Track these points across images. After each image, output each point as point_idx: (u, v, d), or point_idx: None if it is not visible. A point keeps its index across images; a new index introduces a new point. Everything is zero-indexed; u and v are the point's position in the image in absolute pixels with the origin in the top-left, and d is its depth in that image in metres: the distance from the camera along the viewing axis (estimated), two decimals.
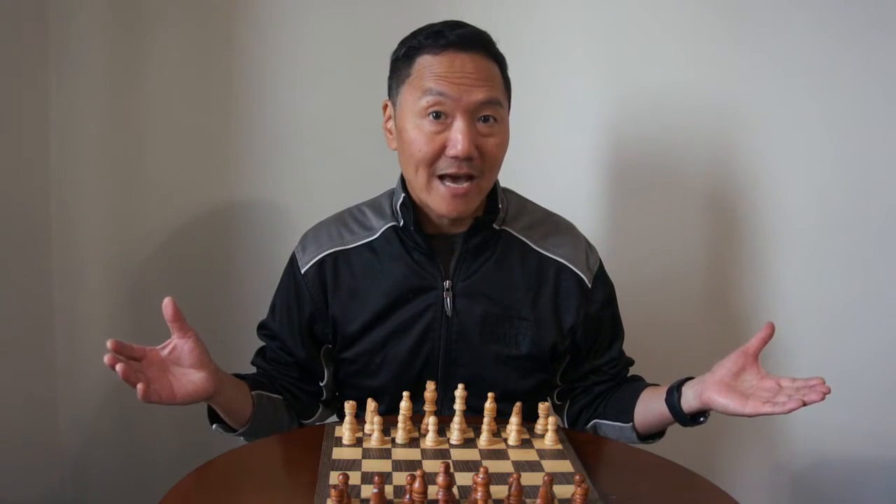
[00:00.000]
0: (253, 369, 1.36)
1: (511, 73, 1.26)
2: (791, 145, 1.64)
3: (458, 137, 1.15)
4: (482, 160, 1.18)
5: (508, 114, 1.24)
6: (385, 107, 1.28)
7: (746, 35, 1.61)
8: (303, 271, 1.28)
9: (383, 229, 1.28)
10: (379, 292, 1.25)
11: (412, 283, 1.25)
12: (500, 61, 1.23)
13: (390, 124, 1.27)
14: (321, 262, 1.27)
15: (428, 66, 1.18)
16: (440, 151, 1.17)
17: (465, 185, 1.18)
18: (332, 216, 1.34)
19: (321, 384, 1.33)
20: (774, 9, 1.60)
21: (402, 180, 1.28)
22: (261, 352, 1.36)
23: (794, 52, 1.61)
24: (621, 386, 1.33)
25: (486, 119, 1.18)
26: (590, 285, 1.29)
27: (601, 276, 1.33)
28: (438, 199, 1.19)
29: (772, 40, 1.61)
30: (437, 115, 1.16)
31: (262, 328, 1.35)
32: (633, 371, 1.39)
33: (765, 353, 1.69)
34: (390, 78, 1.26)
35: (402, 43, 1.24)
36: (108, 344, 1.01)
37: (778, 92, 1.62)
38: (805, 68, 1.61)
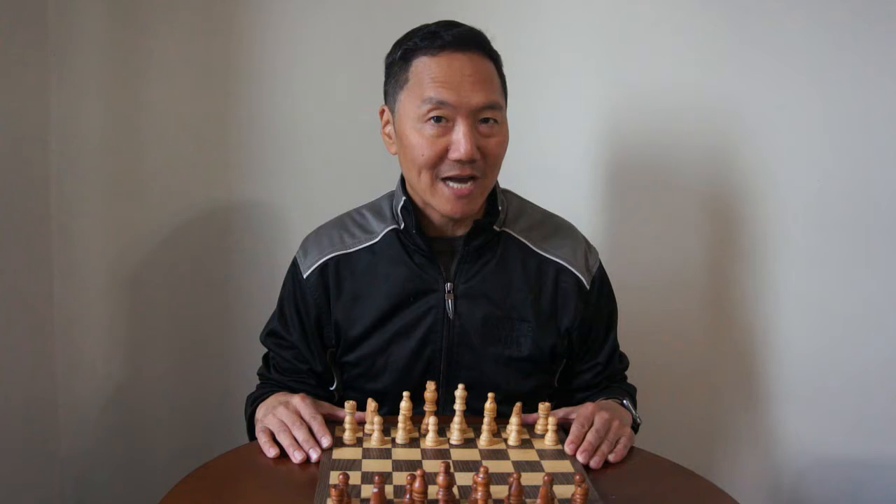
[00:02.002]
0: (254, 380, 1.36)
1: (509, 73, 1.26)
2: (791, 145, 1.64)
3: (460, 140, 1.16)
4: (484, 161, 1.18)
5: (506, 111, 1.24)
6: (382, 112, 1.28)
7: (745, 35, 1.61)
8: (305, 276, 1.28)
9: (384, 232, 1.28)
10: (381, 296, 1.25)
11: (413, 286, 1.25)
12: (495, 59, 1.23)
13: (389, 129, 1.27)
14: (323, 267, 1.27)
15: (426, 69, 1.17)
16: (442, 155, 1.17)
17: (469, 185, 1.18)
18: (332, 220, 1.34)
19: (331, 389, 1.33)
20: (773, 9, 1.60)
21: (403, 183, 1.28)
22: (268, 363, 1.35)
23: (793, 51, 1.61)
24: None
25: (486, 120, 1.19)
26: (588, 286, 1.29)
27: (600, 278, 1.32)
28: (443, 201, 1.19)
29: (771, 40, 1.61)
30: (438, 119, 1.17)
31: (274, 336, 1.33)
32: (632, 374, 1.39)
33: (765, 355, 1.71)
34: (386, 83, 1.26)
35: (397, 45, 1.23)
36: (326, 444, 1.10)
37: (777, 91, 1.62)
38: (805, 68, 1.61)
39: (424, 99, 1.17)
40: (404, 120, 1.20)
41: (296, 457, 1.07)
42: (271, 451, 1.08)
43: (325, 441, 1.09)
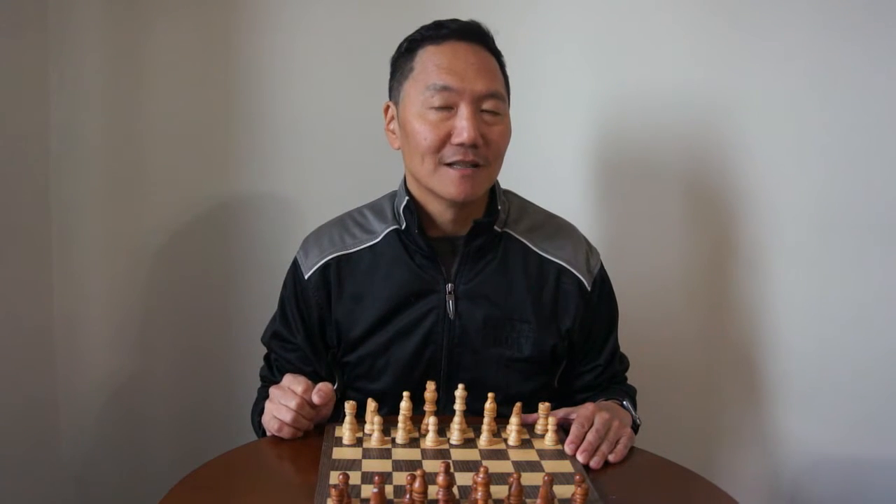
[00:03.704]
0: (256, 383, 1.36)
1: (507, 71, 1.27)
2: (791, 144, 1.63)
3: (463, 125, 1.16)
4: (487, 148, 1.19)
5: (509, 108, 1.25)
6: (386, 109, 1.28)
7: (743, 33, 1.61)
8: (306, 276, 1.28)
9: (385, 233, 1.28)
10: (381, 296, 1.25)
11: (414, 287, 1.25)
12: (498, 55, 1.25)
13: (393, 125, 1.27)
14: (324, 267, 1.27)
15: (431, 57, 1.19)
16: (445, 139, 1.18)
17: (471, 168, 1.19)
18: (332, 219, 1.34)
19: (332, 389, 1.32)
20: (771, 5, 1.60)
21: (405, 183, 1.28)
22: (270, 364, 1.35)
23: (792, 48, 1.60)
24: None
25: (488, 111, 1.19)
26: (589, 288, 1.29)
27: (601, 280, 1.32)
28: (447, 183, 1.19)
29: (769, 37, 1.60)
30: (442, 106, 1.18)
31: (278, 338, 1.32)
32: (632, 374, 1.39)
33: (765, 355, 1.71)
34: (391, 78, 1.27)
35: (403, 41, 1.25)
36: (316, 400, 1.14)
37: (777, 90, 1.62)
38: (804, 66, 1.60)
39: (429, 85, 1.18)
40: (409, 108, 1.21)
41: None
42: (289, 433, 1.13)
43: (316, 398, 1.13)
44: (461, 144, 1.17)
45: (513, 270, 1.27)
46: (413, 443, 1.11)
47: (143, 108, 1.62)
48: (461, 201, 1.21)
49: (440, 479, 0.91)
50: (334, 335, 1.28)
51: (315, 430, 1.16)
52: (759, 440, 1.74)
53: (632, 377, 1.40)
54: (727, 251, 1.70)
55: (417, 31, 1.23)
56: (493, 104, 1.19)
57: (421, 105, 1.19)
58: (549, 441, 1.12)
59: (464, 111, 1.17)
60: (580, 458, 1.08)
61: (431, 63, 1.19)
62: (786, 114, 1.62)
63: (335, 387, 1.32)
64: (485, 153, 1.19)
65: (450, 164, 1.19)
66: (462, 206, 1.23)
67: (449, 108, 1.18)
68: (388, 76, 1.28)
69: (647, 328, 1.67)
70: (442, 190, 1.20)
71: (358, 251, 1.28)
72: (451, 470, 1.02)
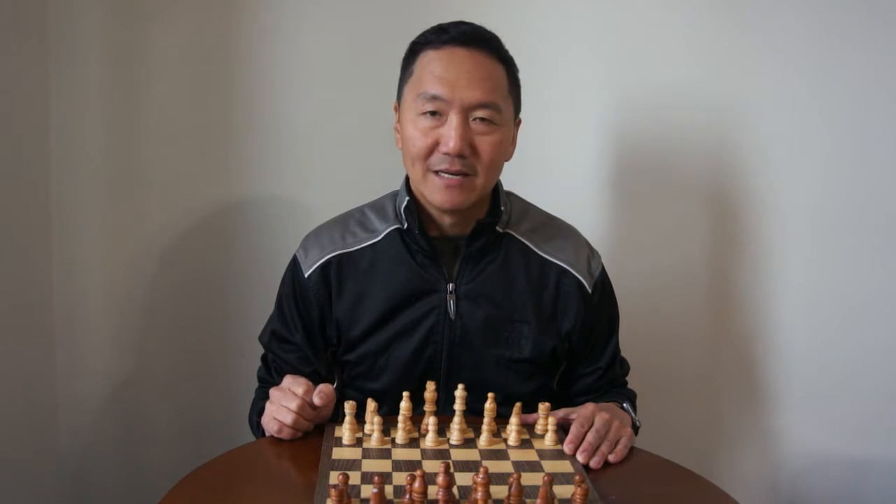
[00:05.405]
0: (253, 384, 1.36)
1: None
2: (793, 146, 1.64)
3: (450, 134, 1.17)
4: (476, 158, 1.19)
5: (515, 116, 1.25)
6: (396, 108, 1.29)
7: (748, 35, 1.61)
8: (306, 275, 1.28)
9: (386, 232, 1.27)
10: (382, 295, 1.25)
11: (415, 287, 1.25)
12: (506, 62, 1.23)
13: (397, 124, 1.28)
14: (325, 266, 1.27)
15: (428, 63, 1.19)
16: (434, 147, 1.18)
17: (459, 178, 1.19)
18: (333, 218, 1.34)
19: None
20: (776, 8, 1.60)
21: (407, 182, 1.28)
22: (268, 365, 1.34)
23: (795, 51, 1.60)
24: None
25: (482, 120, 1.19)
26: (590, 290, 1.29)
27: (602, 282, 1.32)
28: (434, 190, 1.20)
29: (773, 40, 1.61)
30: (433, 113, 1.18)
31: (277, 338, 1.32)
32: (633, 374, 1.39)
33: (766, 356, 1.71)
34: (400, 79, 1.27)
35: (411, 42, 1.25)
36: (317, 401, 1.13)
37: (779, 92, 1.62)
38: (807, 68, 1.61)
39: (421, 93, 1.18)
40: (405, 113, 1.22)
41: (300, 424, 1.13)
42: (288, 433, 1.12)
43: (318, 399, 1.12)
44: (447, 154, 1.17)
45: (514, 271, 1.27)
46: (413, 443, 1.11)
47: (143, 109, 1.62)
48: (448, 209, 1.22)
49: (440, 479, 0.91)
50: (334, 333, 1.28)
51: (315, 430, 1.16)
52: (760, 440, 1.74)
53: (633, 376, 1.40)
54: (730, 250, 1.70)
55: (422, 34, 1.23)
56: (485, 113, 1.19)
57: (414, 111, 1.20)
58: (548, 441, 1.12)
59: (452, 120, 1.17)
60: (580, 458, 1.08)
61: (427, 70, 1.19)
62: (789, 114, 1.63)
63: (335, 386, 1.32)
64: (473, 162, 1.19)
65: (437, 172, 1.19)
66: (453, 212, 1.23)
67: (439, 115, 1.18)
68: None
69: (648, 328, 1.67)
70: (429, 196, 1.22)
71: (359, 249, 1.27)
72: (451, 470, 1.02)
